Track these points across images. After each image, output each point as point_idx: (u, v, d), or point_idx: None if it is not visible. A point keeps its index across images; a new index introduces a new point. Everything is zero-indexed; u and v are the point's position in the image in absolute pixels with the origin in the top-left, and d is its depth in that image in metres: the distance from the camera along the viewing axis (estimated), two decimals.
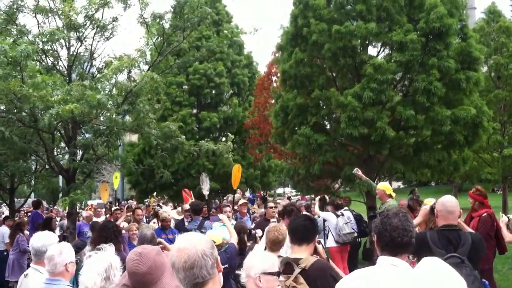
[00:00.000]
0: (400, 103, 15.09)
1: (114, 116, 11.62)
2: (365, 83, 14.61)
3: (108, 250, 4.56)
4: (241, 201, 13.53)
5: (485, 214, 7.74)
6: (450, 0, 15.06)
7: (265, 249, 5.48)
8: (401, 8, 15.49)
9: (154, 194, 22.49)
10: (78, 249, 6.55)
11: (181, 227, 10.57)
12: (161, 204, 17.95)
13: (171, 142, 12.94)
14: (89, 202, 30.42)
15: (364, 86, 14.57)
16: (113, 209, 14.70)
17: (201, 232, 8.26)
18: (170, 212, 12.58)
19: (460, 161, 16.03)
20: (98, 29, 13.47)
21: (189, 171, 29.57)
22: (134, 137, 30.44)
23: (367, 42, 16.17)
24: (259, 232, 8.81)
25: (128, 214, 14.13)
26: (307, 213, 10.10)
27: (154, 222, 12.42)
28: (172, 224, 11.30)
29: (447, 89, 14.60)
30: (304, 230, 4.34)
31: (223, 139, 13.26)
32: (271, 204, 10.52)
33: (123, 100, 12.09)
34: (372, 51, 16.87)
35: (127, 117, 13.65)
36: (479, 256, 4.65)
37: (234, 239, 6.66)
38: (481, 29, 21.12)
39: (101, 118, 12.45)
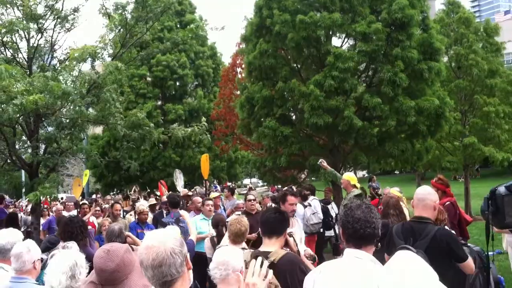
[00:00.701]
0: (365, 92, 15.25)
1: (78, 107, 11.34)
2: (326, 72, 14.70)
3: (73, 247, 4.48)
4: (214, 194, 13.34)
5: (448, 203, 7.85)
6: None
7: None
8: None
9: (135, 186, 22.11)
10: (52, 245, 6.39)
11: (159, 220, 10.14)
12: (138, 196, 17.63)
13: (139, 131, 12.73)
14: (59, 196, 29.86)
15: (325, 75, 14.66)
16: (80, 203, 14.36)
17: (179, 226, 7.91)
18: (145, 203, 12.11)
19: (423, 151, 16.32)
20: (59, 20, 13.13)
21: (155, 164, 29.41)
22: (98, 130, 30.06)
23: (331, 33, 16.25)
24: None
25: (97, 209, 13.91)
26: (274, 205, 10.05)
27: (131, 215, 12.10)
28: (150, 218, 11.05)
29: (410, 80, 14.82)
30: (275, 223, 4.29)
31: (190, 129, 13.16)
32: (250, 197, 9.80)
33: (87, 91, 11.86)
34: (336, 42, 16.99)
35: (91, 110, 13.39)
36: (442, 252, 4.48)
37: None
38: (441, 20, 21.42)
39: (64, 111, 12.18)
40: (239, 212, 10.83)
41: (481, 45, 21.11)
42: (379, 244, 6.47)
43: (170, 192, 15.33)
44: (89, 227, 10.18)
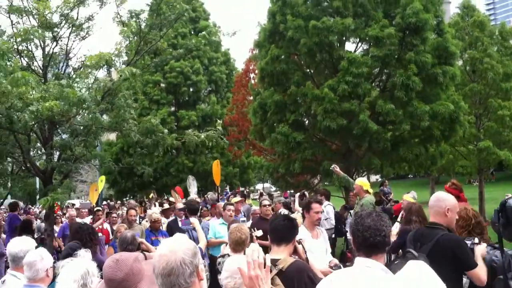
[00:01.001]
0: (379, 97, 15.20)
1: (93, 114, 11.41)
2: (340, 77, 14.70)
3: (85, 256, 4.50)
4: (236, 198, 13.03)
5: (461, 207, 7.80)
6: None
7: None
8: (377, 4, 15.62)
9: (152, 192, 21.98)
10: (72, 251, 6.43)
11: (174, 227, 10.02)
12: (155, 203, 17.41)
13: (152, 138, 12.79)
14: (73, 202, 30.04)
15: (339, 80, 14.66)
16: (94, 210, 14.32)
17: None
18: (158, 211, 11.94)
19: (437, 155, 16.21)
20: (73, 28, 13.26)
21: (168, 170, 29.51)
22: (112, 136, 30.26)
23: (344, 38, 16.26)
24: (258, 232, 8.06)
25: (114, 215, 13.85)
26: (286, 211, 10.00)
27: (146, 221, 11.90)
28: (164, 225, 10.92)
29: (424, 84, 14.74)
30: (283, 230, 4.26)
31: (203, 135, 13.18)
32: (265, 202, 9.82)
33: (102, 97, 11.96)
34: (349, 47, 17.00)
35: (105, 116, 13.48)
36: (445, 257, 4.36)
37: (202, 243, 6.41)
38: (455, 24, 21.33)
39: (78, 118, 12.29)
40: (244, 218, 10.85)
41: (496, 48, 20.95)
42: (400, 250, 6.38)
43: (189, 198, 15.30)
44: (100, 234, 10.24)
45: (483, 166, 21.29)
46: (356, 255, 3.11)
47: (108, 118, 13.13)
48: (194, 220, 7.16)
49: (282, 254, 4.12)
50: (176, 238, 2.49)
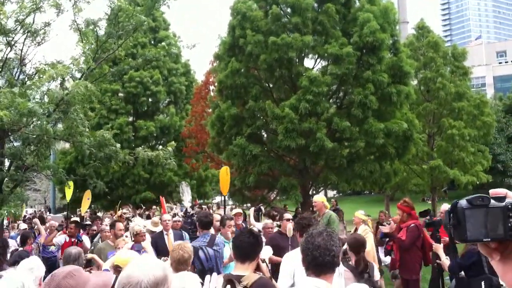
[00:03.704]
0: (335, 115, 15.40)
1: (44, 125, 11.16)
2: (301, 95, 14.82)
3: (24, 267, 4.36)
4: (235, 210, 11.87)
5: (412, 225, 7.94)
6: (382, 15, 15.51)
7: None
8: (336, 22, 15.85)
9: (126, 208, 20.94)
10: (21, 259, 6.22)
11: (159, 242, 8.94)
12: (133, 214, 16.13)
13: (105, 151, 12.56)
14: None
15: (300, 98, 14.78)
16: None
17: (213, 249, 6.68)
18: (144, 223, 10.51)
19: (391, 172, 16.51)
20: (29, 34, 12.99)
21: (124, 181, 29.08)
22: (67, 145, 29.67)
23: (303, 54, 16.42)
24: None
25: (94, 228, 12.69)
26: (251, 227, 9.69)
27: (126, 236, 10.28)
28: (148, 239, 9.14)
29: (379, 102, 15.02)
30: (248, 248, 4.23)
31: (160, 147, 12.96)
32: (287, 216, 8.49)
33: (54, 108, 11.70)
34: (308, 63, 17.28)
35: (59, 125, 13.20)
36: None
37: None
38: (411, 44, 21.88)
39: (31, 127, 11.99)
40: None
41: (449, 69, 21.57)
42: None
43: (204, 209, 14.53)
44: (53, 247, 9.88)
45: (435, 185, 21.78)
46: (306, 274, 3.11)
47: (61, 127, 12.85)
48: (145, 244, 6.76)
49: (246, 271, 4.08)
50: (143, 260, 2.44)
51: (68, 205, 17.21)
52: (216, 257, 6.54)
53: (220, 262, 6.46)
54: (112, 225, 9.55)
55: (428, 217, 7.21)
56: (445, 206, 11.10)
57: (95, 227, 12.92)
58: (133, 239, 8.34)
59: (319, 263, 3.01)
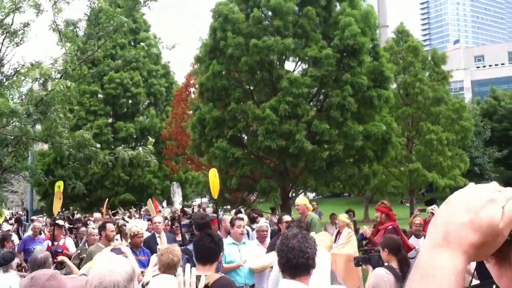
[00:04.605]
0: (315, 117, 15.48)
1: (24, 125, 11.02)
2: (281, 97, 14.87)
3: (11, 273, 4.34)
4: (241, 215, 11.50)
5: (390, 227, 8.02)
6: (363, 19, 15.63)
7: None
8: (316, 25, 15.94)
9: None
10: (6, 262, 6.11)
11: (152, 244, 8.49)
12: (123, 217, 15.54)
13: (85, 152, 12.45)
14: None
15: (280, 100, 14.83)
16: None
17: None
18: (139, 223, 9.82)
19: (370, 175, 16.63)
20: (7, 34, 12.86)
21: (103, 183, 28.87)
22: (46, 146, 29.37)
23: (284, 57, 16.49)
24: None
25: (83, 228, 11.68)
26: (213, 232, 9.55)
27: (116, 239, 9.55)
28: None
29: (359, 105, 15.14)
30: (208, 252, 4.37)
31: (140, 148, 12.77)
32: (287, 218, 8.09)
33: (34, 108, 11.58)
34: (289, 66, 17.29)
35: (38, 126, 13.06)
36: None
37: (137, 268, 5.92)
38: (390, 48, 22.07)
39: (9, 128, 11.85)
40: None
41: (428, 73, 21.79)
42: None
43: (201, 210, 14.36)
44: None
45: (413, 187, 22.00)
46: (282, 277, 3.14)
47: (40, 128, 12.72)
48: (125, 249, 6.31)
49: (207, 272, 4.18)
50: (116, 259, 2.45)
51: (28, 208, 16.93)
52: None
53: (219, 267, 6.07)
54: (103, 227, 8.52)
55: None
56: (434, 207, 11.28)
57: (84, 228, 11.99)
58: (129, 240, 7.74)
59: (293, 265, 3.05)
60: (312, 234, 8.87)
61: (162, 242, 8.58)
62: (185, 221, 9.75)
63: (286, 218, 7.99)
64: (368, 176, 16.47)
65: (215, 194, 12.54)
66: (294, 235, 3.16)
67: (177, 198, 15.94)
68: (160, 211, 16.21)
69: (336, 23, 15.75)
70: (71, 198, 28.15)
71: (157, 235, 9.04)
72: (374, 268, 5.32)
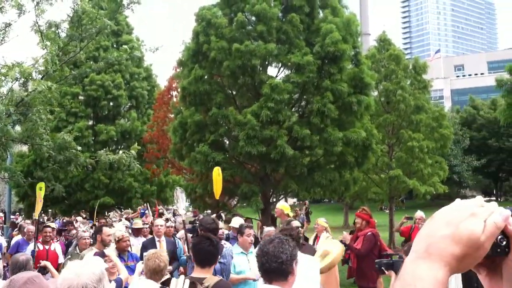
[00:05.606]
0: (296, 123, 15.56)
1: (4, 126, 10.91)
2: (262, 102, 14.92)
3: None
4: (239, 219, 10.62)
5: (369, 233, 8.11)
6: (345, 27, 15.75)
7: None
8: (299, 31, 16.03)
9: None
10: None
11: (150, 250, 7.43)
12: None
13: (65, 154, 12.36)
14: None
15: (262, 105, 14.88)
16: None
17: (219, 262, 5.73)
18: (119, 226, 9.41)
19: (351, 181, 16.74)
20: None
21: (83, 185, 28.64)
22: (25, 147, 29.03)
23: (266, 63, 16.55)
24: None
25: (74, 231, 11.70)
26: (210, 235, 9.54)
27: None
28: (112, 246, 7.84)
29: (340, 112, 15.26)
30: (207, 255, 4.42)
31: (120, 152, 12.56)
32: (296, 224, 7.33)
33: (15, 109, 11.48)
34: (271, 71, 17.35)
35: (17, 127, 12.94)
36: None
37: (124, 273, 5.86)
38: (372, 56, 22.23)
39: None
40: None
41: (409, 82, 22.00)
42: None
43: (206, 214, 14.26)
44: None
45: (393, 194, 22.17)
46: (263, 282, 3.18)
47: (20, 129, 12.61)
48: (110, 252, 6.29)
49: (206, 274, 4.25)
50: (84, 262, 2.45)
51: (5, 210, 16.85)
52: (223, 271, 6.10)
53: (227, 275, 6.04)
54: (99, 230, 8.10)
55: None
56: (420, 213, 11.39)
57: (74, 231, 12.00)
58: (116, 246, 7.34)
59: (265, 270, 3.10)
60: (321, 239, 8.90)
61: (162, 247, 8.40)
62: (161, 222, 9.31)
63: (295, 223, 7.40)
64: (348, 183, 16.59)
65: (217, 195, 12.02)
66: (271, 240, 3.20)
67: (181, 204, 15.43)
68: (162, 213, 16.10)
69: (318, 30, 15.85)
70: (50, 200, 27.90)
71: (157, 239, 8.78)
72: (397, 274, 5.39)
